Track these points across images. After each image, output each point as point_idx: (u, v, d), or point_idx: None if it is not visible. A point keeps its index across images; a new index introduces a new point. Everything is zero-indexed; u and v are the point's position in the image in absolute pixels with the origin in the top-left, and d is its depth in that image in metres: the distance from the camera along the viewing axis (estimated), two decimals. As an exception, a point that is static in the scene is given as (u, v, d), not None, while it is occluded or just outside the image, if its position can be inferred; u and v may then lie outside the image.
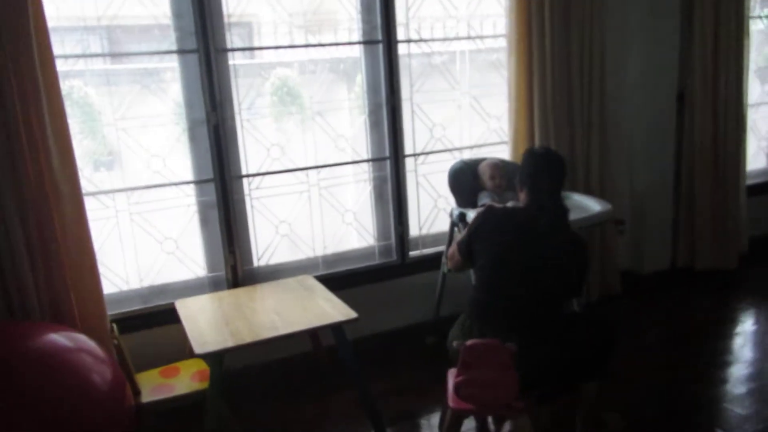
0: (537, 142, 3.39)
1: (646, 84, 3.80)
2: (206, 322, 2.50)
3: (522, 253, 2.28)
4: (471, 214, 2.84)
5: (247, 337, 2.34)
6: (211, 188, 2.97)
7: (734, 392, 2.81)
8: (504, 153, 3.64)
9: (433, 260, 3.49)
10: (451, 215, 3.08)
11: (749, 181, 4.32)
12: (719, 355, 3.16)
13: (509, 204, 2.90)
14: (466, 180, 3.20)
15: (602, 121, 3.56)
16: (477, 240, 2.36)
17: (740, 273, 4.13)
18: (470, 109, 3.52)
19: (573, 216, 2.57)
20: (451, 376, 2.34)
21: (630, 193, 3.96)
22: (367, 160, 3.31)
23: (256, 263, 3.15)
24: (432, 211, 3.53)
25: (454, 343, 2.19)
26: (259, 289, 2.90)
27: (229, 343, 2.29)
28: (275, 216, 3.15)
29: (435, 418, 2.75)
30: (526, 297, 2.26)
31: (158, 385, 2.49)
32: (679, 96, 3.95)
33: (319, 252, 3.28)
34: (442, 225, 3.57)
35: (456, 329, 2.36)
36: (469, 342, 2.16)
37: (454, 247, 2.53)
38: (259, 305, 2.68)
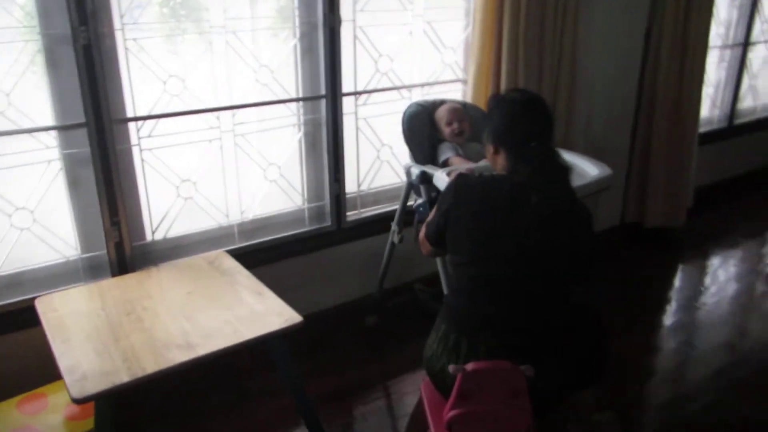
0: (504, 83, 2.78)
1: (616, 23, 3.30)
2: (83, 338, 1.73)
3: (513, 241, 1.65)
4: (439, 176, 2.21)
5: (149, 365, 1.60)
6: (82, 136, 2.11)
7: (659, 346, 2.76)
8: (459, 94, 3.01)
9: (375, 224, 2.86)
10: (407, 174, 2.44)
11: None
12: (648, 312, 3.04)
13: (482, 165, 2.30)
14: (423, 128, 2.55)
15: (572, 62, 3.01)
16: (450, 225, 1.73)
17: (685, 227, 3.88)
18: (423, 37, 2.82)
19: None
20: (430, 402, 1.79)
21: (585, 144, 3.49)
22: (297, 99, 2.55)
23: (150, 237, 2.36)
24: (374, 163, 2.87)
25: (450, 368, 1.60)
26: (156, 274, 2.14)
27: (122, 377, 1.55)
28: (175, 174, 2.36)
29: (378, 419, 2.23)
30: (524, 301, 1.69)
31: (16, 430, 1.72)
32: (647, 33, 3.48)
33: (235, 218, 2.53)
34: (386, 179, 2.93)
35: (436, 345, 1.75)
36: (470, 366, 1.58)
37: (422, 230, 1.90)
38: (160, 303, 1.94)
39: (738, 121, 4.64)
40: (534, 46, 2.80)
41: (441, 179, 2.19)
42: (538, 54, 2.83)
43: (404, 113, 2.53)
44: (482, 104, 2.80)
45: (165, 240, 2.39)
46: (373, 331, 2.81)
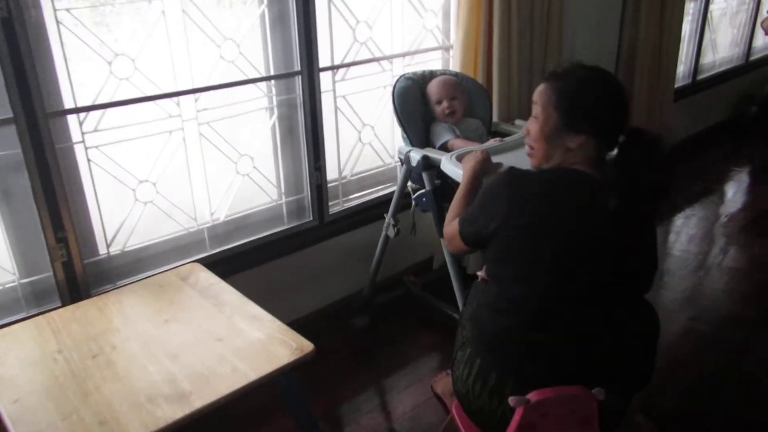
0: (496, 49, 2.49)
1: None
2: (41, 395, 1.36)
3: (587, 254, 1.36)
4: (447, 163, 1.91)
5: (134, 428, 1.26)
6: (10, 135, 1.68)
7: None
8: (442, 63, 2.71)
9: (360, 214, 2.55)
10: (405, 160, 2.13)
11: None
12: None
13: (490, 144, 2.03)
14: (417, 105, 2.24)
15: (560, 22, 2.75)
16: (502, 232, 1.39)
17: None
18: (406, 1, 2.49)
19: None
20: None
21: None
22: (269, 78, 2.18)
23: (104, 251, 1.97)
24: (355, 146, 2.53)
25: (511, 401, 1.32)
26: (119, 298, 1.76)
27: (103, 452, 1.21)
28: (130, 174, 1.96)
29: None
30: (588, 323, 1.39)
31: None
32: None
33: (205, 221, 2.16)
34: (368, 162, 2.61)
35: (472, 381, 1.43)
36: (534, 396, 1.31)
37: (454, 225, 1.58)
38: (132, 338, 1.57)
39: (700, 76, 4.56)
40: (525, 4, 2.51)
41: (450, 167, 1.90)
42: (529, 15, 2.55)
43: (394, 89, 2.21)
44: (471, 73, 2.51)
45: (124, 253, 2.00)
46: (363, 334, 2.52)
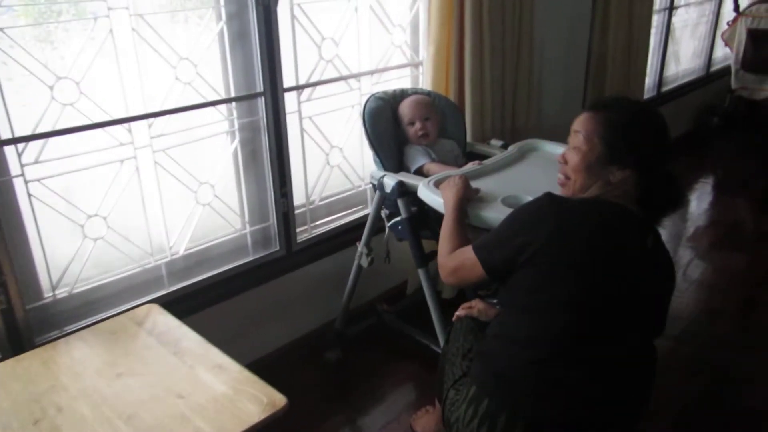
0: (468, 65, 2.39)
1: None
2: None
3: (620, 290, 1.31)
4: (424, 189, 1.80)
5: None
6: (-63, 171, 1.50)
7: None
8: (410, 80, 2.60)
9: (329, 241, 2.41)
10: (378, 186, 2.00)
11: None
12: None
13: (468, 169, 1.93)
14: (389, 127, 2.12)
15: (531, 36, 2.67)
16: (541, 255, 1.29)
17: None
18: (370, 14, 2.37)
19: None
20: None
21: (542, 121, 3.19)
22: (230, 100, 2.03)
23: (49, 294, 1.78)
24: (324, 170, 2.40)
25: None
26: (66, 349, 1.57)
27: None
28: (78, 209, 1.78)
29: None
30: (622, 361, 1.33)
31: None
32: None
33: (162, 257, 1.99)
34: (336, 185, 2.48)
35: (476, 424, 1.32)
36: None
37: (462, 256, 1.47)
38: (80, 396, 1.39)
39: (664, 88, 4.57)
40: (497, 19, 2.43)
41: (428, 194, 1.78)
42: (501, 29, 2.47)
43: (364, 110, 2.08)
44: (442, 90, 2.41)
45: (72, 296, 1.81)
46: (336, 368, 2.37)
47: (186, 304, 1.97)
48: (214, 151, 2.04)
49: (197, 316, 1.98)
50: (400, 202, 1.92)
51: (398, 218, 1.97)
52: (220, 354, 1.52)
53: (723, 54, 5.17)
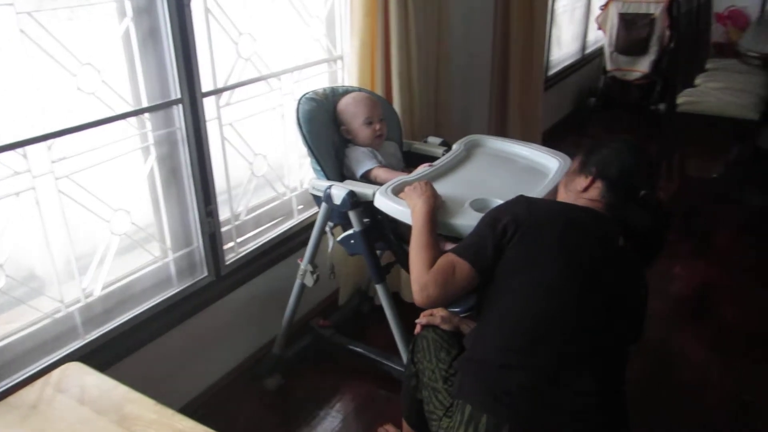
0: (394, 60, 2.23)
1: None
2: None
3: (607, 280, 1.33)
4: (382, 197, 1.63)
5: None
6: None
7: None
8: (330, 77, 2.41)
9: (259, 258, 2.18)
10: (324, 198, 1.79)
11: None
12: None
13: (420, 172, 1.80)
14: (324, 130, 1.91)
15: (447, 23, 2.57)
16: (522, 227, 1.32)
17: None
18: (289, 5, 2.13)
19: (535, 188, 1.72)
20: None
21: (453, 114, 3.11)
22: (142, 110, 1.72)
23: (-64, 368, 1.41)
24: (250, 181, 2.14)
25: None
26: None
27: None
28: (-34, 256, 1.42)
29: None
30: (595, 357, 1.30)
31: None
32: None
33: (74, 301, 1.66)
34: (262, 195, 2.24)
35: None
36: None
37: (451, 261, 1.35)
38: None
39: (550, 72, 4.70)
40: (420, 6, 2.28)
41: (387, 203, 1.61)
42: (423, 16, 2.33)
43: (297, 113, 1.86)
44: (369, 87, 2.24)
45: (-34, 365, 1.46)
46: (279, 396, 2.15)
47: (109, 353, 1.67)
48: (127, 171, 1.73)
49: (123, 363, 1.70)
50: (351, 215, 1.74)
51: (350, 231, 1.78)
52: (183, 418, 1.28)
53: (594, 37, 5.42)
